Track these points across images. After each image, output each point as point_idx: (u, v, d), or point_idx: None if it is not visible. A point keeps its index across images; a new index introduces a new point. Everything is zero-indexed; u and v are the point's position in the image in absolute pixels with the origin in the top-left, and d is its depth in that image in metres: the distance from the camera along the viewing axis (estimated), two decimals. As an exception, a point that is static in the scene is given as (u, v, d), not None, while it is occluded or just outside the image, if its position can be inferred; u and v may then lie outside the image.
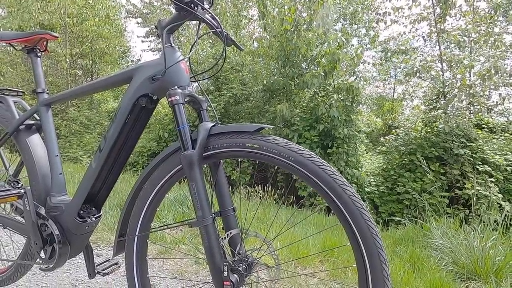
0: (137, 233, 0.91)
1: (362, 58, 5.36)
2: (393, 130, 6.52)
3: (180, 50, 0.90)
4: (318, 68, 5.38)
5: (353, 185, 5.37)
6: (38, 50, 1.15)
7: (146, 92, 0.88)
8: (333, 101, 4.91)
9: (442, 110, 5.07)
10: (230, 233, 0.86)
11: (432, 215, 2.95)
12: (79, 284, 1.34)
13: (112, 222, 1.96)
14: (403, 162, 5.37)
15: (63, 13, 8.62)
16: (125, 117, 0.90)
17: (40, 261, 1.04)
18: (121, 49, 10.65)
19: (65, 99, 1.11)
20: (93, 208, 1.05)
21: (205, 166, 0.86)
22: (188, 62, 0.92)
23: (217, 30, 0.91)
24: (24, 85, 8.79)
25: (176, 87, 0.82)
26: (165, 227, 0.95)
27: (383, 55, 7.06)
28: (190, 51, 0.92)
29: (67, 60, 8.58)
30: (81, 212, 1.01)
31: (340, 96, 5.11)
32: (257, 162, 5.98)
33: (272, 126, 0.96)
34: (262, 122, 6.05)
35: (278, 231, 1.99)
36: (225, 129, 0.81)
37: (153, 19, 10.69)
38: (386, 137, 6.18)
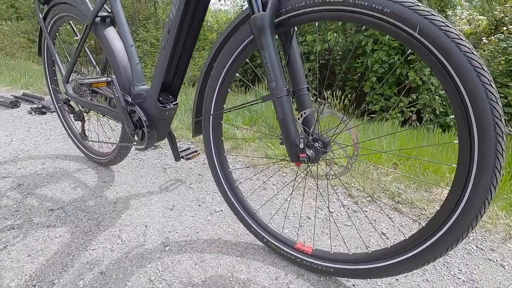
0: (211, 112, 0.94)
1: None
2: (503, 28, 5.14)
3: None
4: None
5: (437, 98, 4.71)
6: None
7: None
8: (424, -8, 3.94)
9: None
10: (304, 113, 0.81)
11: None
12: (168, 167, 1.56)
13: (189, 123, 2.13)
14: (510, 68, 4.34)
15: None
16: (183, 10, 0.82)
17: (135, 143, 1.20)
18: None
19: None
20: (170, 96, 1.10)
21: (276, 37, 0.76)
22: None
23: None
24: None
25: None
26: (239, 106, 0.94)
27: None
28: None
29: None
30: (160, 98, 1.06)
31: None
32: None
33: None
34: (330, 28, 5.38)
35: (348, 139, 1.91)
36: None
37: None
38: (491, 37, 4.94)
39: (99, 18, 1.16)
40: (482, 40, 5.49)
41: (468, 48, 0.54)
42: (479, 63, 0.54)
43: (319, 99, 3.97)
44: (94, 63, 1.37)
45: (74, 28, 1.41)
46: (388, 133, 2.73)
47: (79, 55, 1.29)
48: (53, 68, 1.58)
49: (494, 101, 0.54)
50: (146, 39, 9.23)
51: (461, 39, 0.55)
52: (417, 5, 0.57)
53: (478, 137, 0.56)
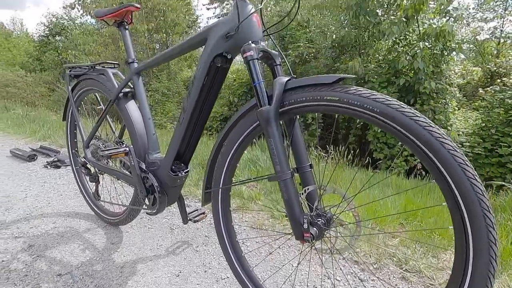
0: (220, 186, 1.00)
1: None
2: (498, 80, 5.38)
3: (251, 3, 0.87)
4: (398, 13, 4.64)
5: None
6: (125, 23, 1.27)
7: (221, 51, 0.89)
8: (418, 51, 4.24)
9: None
10: (308, 189, 0.86)
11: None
12: (175, 228, 1.58)
13: (196, 178, 2.19)
14: (510, 118, 4.46)
15: (138, -10, 9.24)
16: (203, 78, 0.94)
17: (146, 207, 1.25)
18: (190, 18, 11.05)
19: (151, 65, 1.21)
20: (182, 164, 1.18)
21: (281, 122, 0.85)
22: (260, 15, 0.89)
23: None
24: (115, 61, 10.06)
25: (250, 42, 0.81)
26: (246, 180, 1.00)
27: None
28: (262, 2, 0.88)
29: (146, 35, 9.36)
30: (173, 167, 1.14)
31: (427, 43, 4.38)
32: (336, 117, 5.70)
33: (354, 76, 0.87)
34: (332, 80, 5.70)
35: (354, 192, 1.93)
36: (302, 82, 0.77)
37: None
38: (487, 88, 5.15)
39: (122, 94, 1.29)
40: (479, 90, 5.71)
41: (451, 146, 0.61)
42: (462, 159, 0.60)
43: (321, 153, 4.05)
44: (113, 130, 1.48)
45: (99, 99, 1.56)
46: (393, 188, 2.74)
47: (101, 123, 1.41)
48: (74, 131, 1.71)
49: (481, 194, 0.59)
50: (158, 89, 9.81)
51: (444, 138, 0.62)
52: (403, 107, 0.66)
53: (471, 227, 0.60)
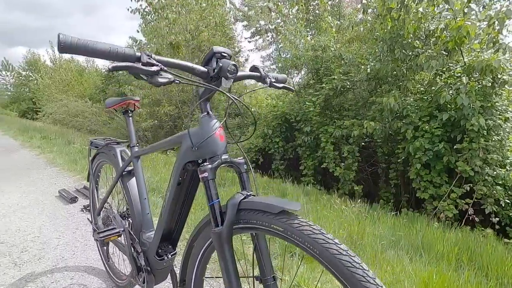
0: (192, 281, 1.01)
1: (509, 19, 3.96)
2: None
3: (217, 118, 0.91)
4: (437, 45, 4.35)
5: (498, 188, 4.18)
6: (130, 111, 1.41)
7: (191, 159, 0.93)
8: (461, 86, 3.89)
9: None
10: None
11: None
12: (173, 296, 1.61)
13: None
14: None
15: (185, 30, 10.18)
16: (177, 180, 0.99)
17: (138, 282, 1.31)
18: (233, 52, 11.76)
19: (148, 152, 1.31)
20: (170, 246, 1.22)
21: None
22: (225, 126, 0.92)
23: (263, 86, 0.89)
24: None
25: (206, 163, 0.84)
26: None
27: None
28: (224, 118, 0.92)
29: (190, 71, 10.15)
30: (159, 250, 1.19)
31: (472, 78, 4.00)
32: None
33: (297, 209, 0.82)
34: (367, 116, 5.45)
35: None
36: (253, 205, 0.77)
37: (256, 19, 11.22)
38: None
39: (125, 172, 1.42)
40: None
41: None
42: None
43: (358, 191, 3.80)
44: (118, 202, 1.61)
45: (112, 170, 1.72)
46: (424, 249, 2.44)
47: (109, 195, 1.55)
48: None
49: None
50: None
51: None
52: (342, 253, 0.62)
53: None
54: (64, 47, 0.63)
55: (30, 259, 2.00)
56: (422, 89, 5.20)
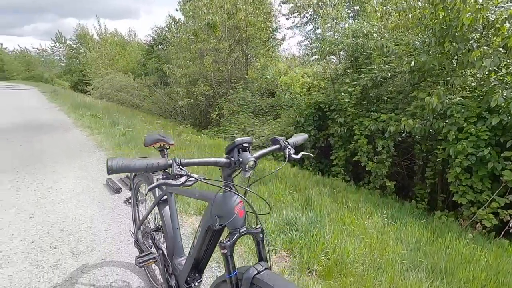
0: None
1: None
2: None
3: (238, 194, 0.98)
4: (496, 41, 3.87)
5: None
6: (165, 150, 1.55)
7: (213, 223, 1.05)
8: (517, 91, 3.49)
9: None
10: None
11: None
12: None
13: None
14: None
15: (222, 8, 10.05)
16: (203, 238, 1.13)
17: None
18: (267, 31, 11.44)
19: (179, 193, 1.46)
20: (197, 274, 1.39)
21: None
22: (245, 202, 1.01)
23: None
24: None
25: (226, 240, 0.95)
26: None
27: None
28: (245, 194, 1.00)
29: (227, 51, 10.16)
30: (188, 279, 1.37)
31: (532, 80, 3.56)
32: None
33: None
34: (407, 111, 5.14)
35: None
36: (264, 286, 0.87)
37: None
38: None
39: (161, 200, 1.59)
40: None
41: None
42: None
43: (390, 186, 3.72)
44: (155, 222, 1.82)
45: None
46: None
47: (147, 216, 1.76)
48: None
49: None
50: (233, 100, 10.53)
51: None
52: None
53: None
54: (112, 170, 0.76)
55: (84, 250, 2.36)
56: (473, 84, 4.74)
